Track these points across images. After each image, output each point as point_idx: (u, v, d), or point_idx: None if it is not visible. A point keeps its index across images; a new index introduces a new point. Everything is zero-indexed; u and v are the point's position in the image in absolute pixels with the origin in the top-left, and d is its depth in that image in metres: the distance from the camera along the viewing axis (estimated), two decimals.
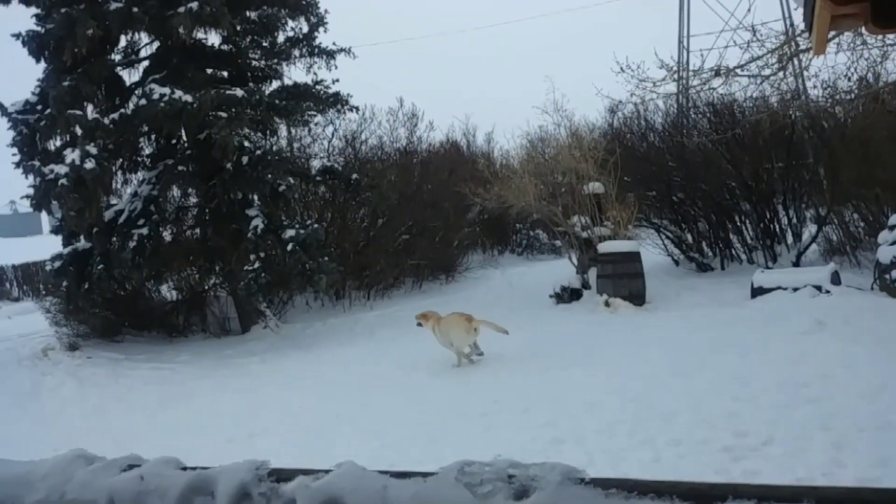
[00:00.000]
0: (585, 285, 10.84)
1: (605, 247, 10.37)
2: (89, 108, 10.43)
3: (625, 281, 10.03)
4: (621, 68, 11.02)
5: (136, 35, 10.78)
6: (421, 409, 6.31)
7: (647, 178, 12.09)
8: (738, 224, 11.75)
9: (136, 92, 10.40)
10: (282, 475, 1.04)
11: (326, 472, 1.05)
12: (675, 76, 11.13)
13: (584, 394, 6.21)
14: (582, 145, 11.46)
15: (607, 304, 9.90)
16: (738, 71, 10.27)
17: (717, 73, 10.46)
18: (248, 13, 11.10)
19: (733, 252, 11.85)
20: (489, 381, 7.05)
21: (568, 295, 10.78)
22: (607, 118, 16.40)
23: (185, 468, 1.05)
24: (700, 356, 6.96)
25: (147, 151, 11.52)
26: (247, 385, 8.07)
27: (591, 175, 11.03)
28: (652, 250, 11.98)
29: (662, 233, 12.33)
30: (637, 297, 9.97)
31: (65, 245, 11.15)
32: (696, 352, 7.17)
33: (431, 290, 13.96)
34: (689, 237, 12.25)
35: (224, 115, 9.68)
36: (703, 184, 11.52)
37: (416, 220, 13.67)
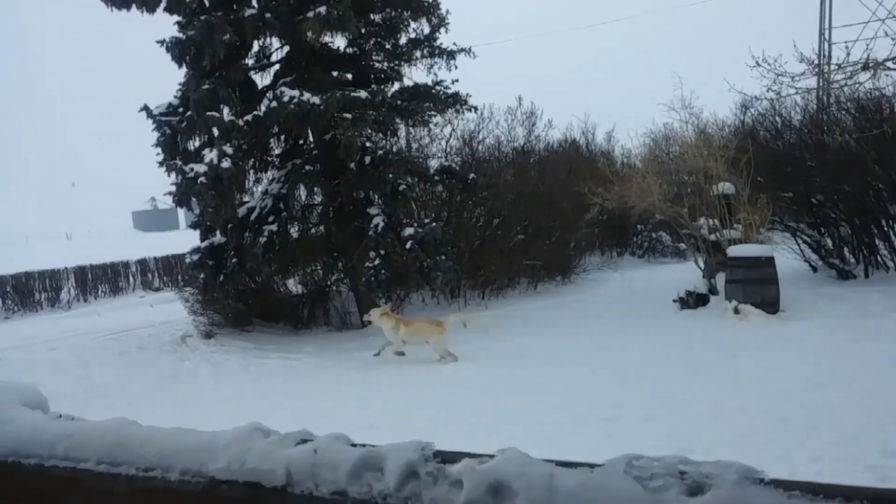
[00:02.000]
0: (713, 291, 10.34)
1: (735, 250, 9.83)
2: (225, 110, 11.04)
3: (756, 287, 9.47)
4: (756, 62, 10.46)
5: (268, 40, 11.34)
6: (535, 409, 6.22)
7: (782, 179, 11.35)
8: (885, 229, 10.81)
9: (268, 95, 10.91)
10: (446, 457, 1.02)
11: (490, 456, 1.02)
12: (816, 70, 10.42)
13: (711, 403, 5.92)
14: (711, 143, 10.94)
15: (737, 310, 9.39)
16: (888, 64, 9.48)
17: (865, 67, 9.70)
18: (372, 16, 11.42)
19: (879, 259, 10.91)
20: (608, 384, 6.85)
21: (693, 300, 10.32)
22: (738, 115, 15.60)
23: (353, 445, 1.05)
24: (840, 369, 6.47)
25: (277, 151, 12.07)
26: (367, 378, 8.27)
27: (720, 175, 10.51)
28: (787, 255, 11.24)
29: (799, 237, 11.55)
30: (770, 305, 9.39)
31: (202, 239, 11.87)
32: (836, 364, 6.67)
33: (547, 291, 13.80)
34: (829, 242, 11.40)
35: (349, 116, 9.98)
36: (846, 185, 10.69)
37: (533, 219, 13.54)
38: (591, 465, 0.95)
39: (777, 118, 12.87)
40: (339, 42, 11.36)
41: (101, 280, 22.24)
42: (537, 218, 13.60)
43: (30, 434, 1.24)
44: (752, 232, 10.29)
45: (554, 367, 7.74)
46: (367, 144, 10.65)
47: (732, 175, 10.50)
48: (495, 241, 13.19)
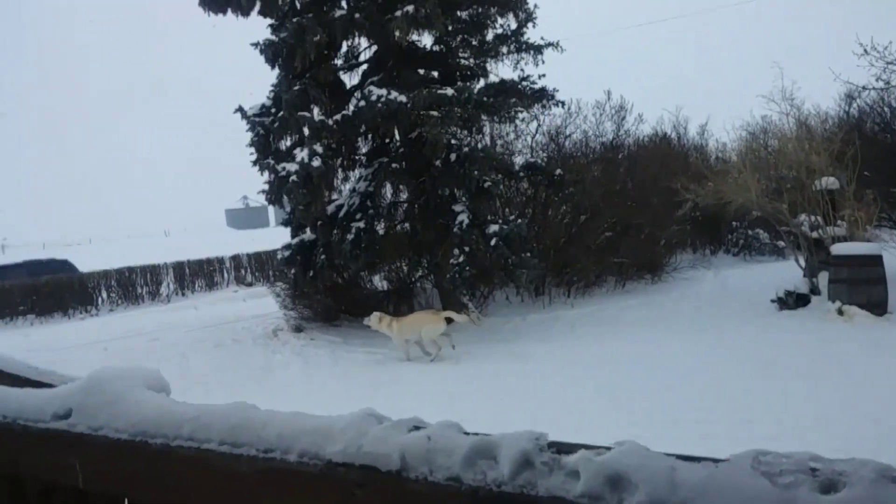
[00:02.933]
0: (814, 290, 9.82)
1: (839, 248, 9.31)
2: (315, 110, 11.33)
3: (863, 287, 8.94)
4: (864, 50, 9.86)
5: (357, 40, 11.57)
6: (629, 411, 6.07)
7: (891, 173, 10.67)
8: None
9: (356, 94, 11.13)
10: (561, 448, 1.00)
11: (607, 448, 0.99)
12: None
13: (813, 408, 5.64)
14: (813, 136, 10.39)
15: (841, 311, 8.89)
16: None
17: None
18: (459, 13, 11.45)
19: None
20: (702, 386, 6.63)
21: (793, 300, 9.84)
22: (843, 106, 14.74)
23: (466, 433, 1.05)
24: None
25: (364, 150, 12.30)
26: (451, 373, 8.32)
27: (823, 169, 9.97)
28: None
29: None
30: (877, 306, 8.84)
31: (293, 236, 12.24)
32: None
33: (636, 290, 13.48)
34: None
35: (435, 113, 10.06)
36: None
37: (621, 216, 13.25)
38: (715, 460, 0.92)
39: (886, 109, 12.10)
40: (426, 40, 11.47)
41: (198, 275, 23.31)
42: (626, 214, 13.30)
43: (156, 415, 1.30)
44: (857, 229, 9.71)
45: (644, 368, 7.55)
46: (453, 142, 10.70)
47: (836, 169, 9.94)
48: (582, 239, 12.97)
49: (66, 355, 11.27)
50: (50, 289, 20.03)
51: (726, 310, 10.41)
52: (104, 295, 21.12)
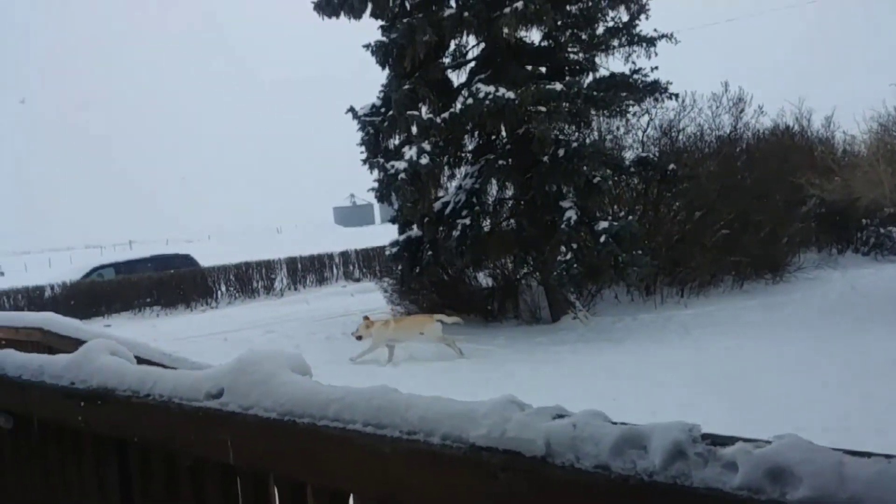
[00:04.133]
0: None
1: None
2: (423, 108, 11.50)
3: None
4: None
5: (465, 38, 11.64)
6: (750, 416, 5.77)
7: None
8: None
9: (463, 92, 11.20)
10: (716, 439, 0.97)
11: (766, 442, 0.95)
12: None
13: None
14: None
15: None
16: None
17: None
18: (568, 7, 11.29)
19: None
20: (831, 394, 6.23)
21: None
22: None
23: (613, 422, 1.04)
24: None
25: (470, 147, 12.36)
26: (560, 371, 8.22)
27: None
28: None
29: None
30: None
31: (400, 233, 12.48)
32: None
33: (755, 290, 12.81)
34: None
35: (543, 109, 9.97)
36: None
37: (739, 212, 12.62)
38: (888, 456, 0.87)
39: None
40: (534, 36, 11.41)
41: (309, 271, 24.14)
42: (744, 211, 12.65)
43: (303, 396, 1.36)
44: None
45: (765, 372, 7.18)
46: (560, 137, 10.58)
47: None
48: (696, 236, 12.46)
49: (190, 345, 11.97)
50: (174, 282, 21.30)
51: (855, 312, 9.73)
52: (223, 288, 22.21)
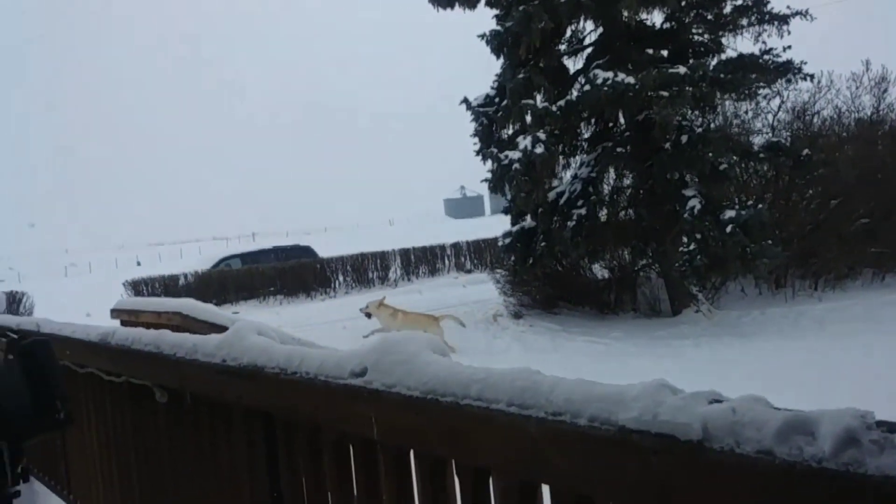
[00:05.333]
0: None
1: None
2: (538, 97, 11.40)
3: None
4: None
5: (582, 23, 11.42)
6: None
7: None
8: None
9: (580, 79, 11.01)
10: (892, 427, 0.90)
11: None
12: None
13: None
14: None
15: None
16: None
17: None
18: None
19: None
20: None
21: None
22: None
23: (776, 408, 0.99)
24: None
25: (586, 135, 12.14)
26: (683, 367, 7.92)
27: None
28: None
29: None
30: None
31: (513, 224, 12.45)
32: None
33: None
34: None
35: (665, 94, 9.63)
36: None
37: (881, 200, 11.65)
38: None
39: None
40: (655, 18, 11.02)
41: (422, 261, 24.60)
42: (887, 199, 11.67)
43: (446, 375, 1.38)
44: None
45: None
46: (683, 123, 10.17)
47: None
48: (832, 226, 11.62)
49: (312, 331, 12.48)
50: (295, 272, 22.29)
51: None
52: (340, 278, 23.03)
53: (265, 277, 21.90)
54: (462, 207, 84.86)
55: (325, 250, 25.65)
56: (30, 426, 2.11)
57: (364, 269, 23.46)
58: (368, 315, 10.54)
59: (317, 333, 12.00)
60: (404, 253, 24.32)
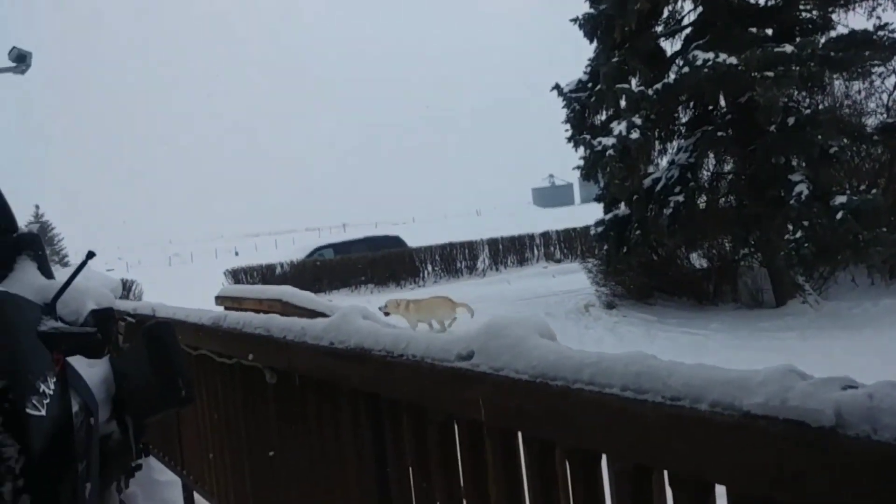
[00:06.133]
0: None
1: None
2: (633, 81, 11.10)
3: None
4: None
5: (680, 3, 11.02)
6: None
7: None
8: None
9: (677, 61, 10.63)
10: None
11: None
12: None
13: None
14: None
15: None
16: None
17: None
18: None
19: None
20: None
21: None
22: None
23: None
24: None
25: (684, 119, 11.73)
26: (787, 360, 7.50)
27: None
28: None
29: None
30: None
31: (606, 212, 12.21)
32: None
33: None
34: None
35: (770, 74, 9.15)
36: None
37: None
38: None
39: None
40: None
41: (510, 251, 24.51)
42: None
43: (556, 359, 1.37)
44: None
45: None
46: (790, 104, 9.66)
47: None
48: None
49: (401, 321, 12.71)
50: (385, 262, 22.71)
51: None
52: (429, 268, 23.27)
53: (357, 267, 22.40)
54: (551, 196, 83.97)
55: (413, 240, 25.98)
56: (154, 403, 2.25)
57: (452, 259, 23.61)
58: (387, 314, 10.89)
59: (405, 323, 12.22)
60: (492, 243, 24.30)
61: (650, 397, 1.19)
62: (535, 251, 24.93)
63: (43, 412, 1.61)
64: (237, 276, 22.43)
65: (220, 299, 9.29)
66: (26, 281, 2.71)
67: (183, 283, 22.34)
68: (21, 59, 6.32)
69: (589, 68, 11.43)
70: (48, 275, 2.97)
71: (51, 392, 1.66)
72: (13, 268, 2.90)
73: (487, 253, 24.08)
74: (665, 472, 1.22)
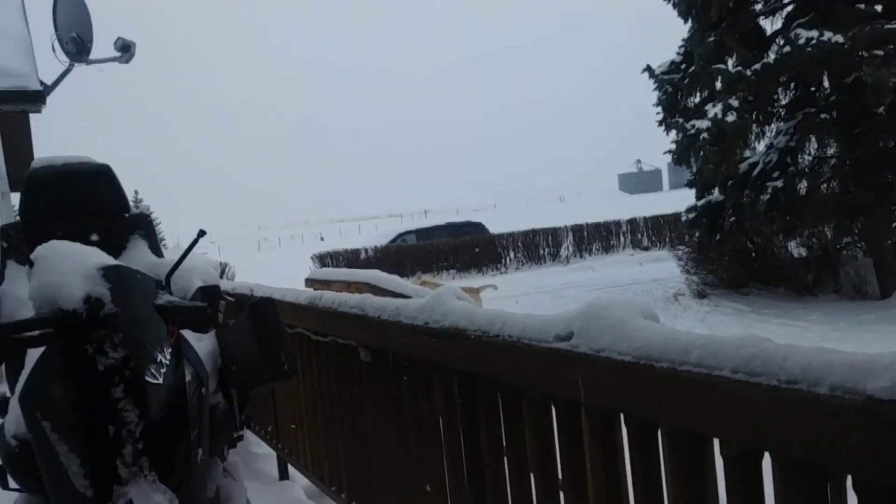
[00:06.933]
0: None
1: None
2: (729, 62, 10.66)
3: None
4: None
5: None
6: None
7: None
8: None
9: (777, 40, 10.13)
10: None
11: None
12: None
13: None
14: None
15: None
16: None
17: None
18: None
19: None
20: None
21: None
22: None
23: None
24: None
25: (783, 101, 11.18)
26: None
27: None
28: None
29: None
30: None
31: (698, 198, 11.81)
32: None
33: None
34: None
35: (879, 53, 8.58)
36: None
37: None
38: None
39: None
40: None
41: (595, 238, 24.10)
42: None
43: (660, 341, 1.35)
44: None
45: None
46: None
47: None
48: None
49: (485, 305, 12.74)
50: (467, 248, 22.79)
51: None
52: (511, 254, 23.21)
53: (439, 252, 22.58)
54: (638, 182, 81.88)
55: (495, 227, 25.95)
56: (257, 376, 2.35)
57: (535, 246, 23.46)
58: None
59: (489, 308, 12.25)
60: (577, 229, 23.96)
61: (764, 380, 1.16)
62: (622, 238, 24.43)
63: (160, 381, 1.70)
64: (323, 260, 23.03)
65: (309, 281, 9.62)
66: (139, 259, 2.87)
67: (272, 267, 23.14)
68: (126, 49, 6.63)
69: (682, 49, 11.05)
70: (158, 253, 3.15)
71: (167, 362, 1.76)
72: (126, 247, 3.08)
73: (571, 240, 23.78)
74: (777, 457, 1.19)
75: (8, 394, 2.47)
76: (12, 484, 2.04)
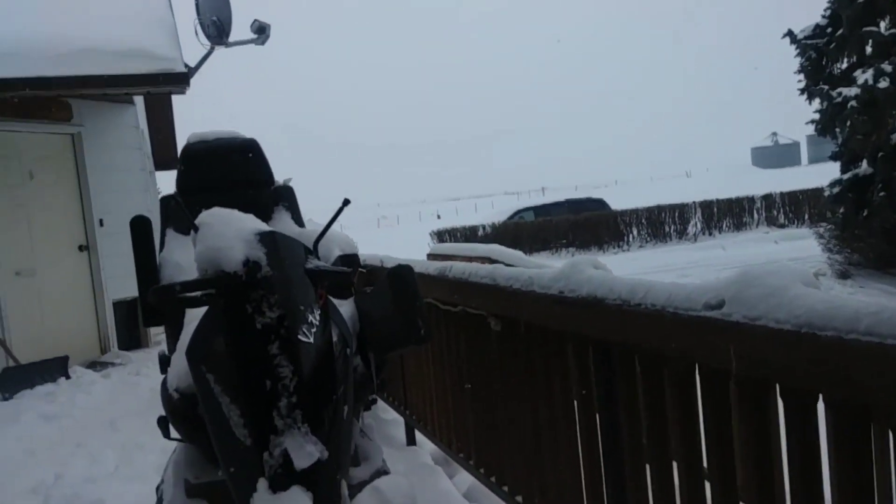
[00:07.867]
0: None
1: None
2: (882, 24, 9.78)
3: None
4: None
5: None
6: None
7: None
8: None
9: None
10: None
11: None
12: None
13: None
14: None
15: None
16: None
17: None
18: None
19: None
20: None
21: None
22: None
23: None
24: None
25: None
26: None
27: None
28: None
29: None
30: None
31: (843, 171, 10.97)
32: None
33: None
34: None
35: None
36: None
37: None
38: None
39: None
40: None
41: (726, 215, 22.90)
42: None
43: (824, 309, 1.27)
44: None
45: None
46: None
47: None
48: None
49: None
50: (587, 224, 22.31)
51: None
52: (634, 232, 22.50)
53: (558, 229, 22.28)
54: (773, 156, 76.89)
55: (617, 204, 25.27)
56: (394, 340, 2.43)
57: (660, 223, 22.61)
58: None
59: None
60: (706, 205, 22.86)
61: None
62: (756, 215, 23.05)
63: (311, 340, 1.80)
64: (442, 237, 23.35)
65: (431, 256, 9.81)
66: (284, 228, 3.04)
67: (392, 243, 23.75)
68: (261, 31, 6.96)
69: (829, 11, 10.21)
70: (300, 223, 3.31)
71: (317, 323, 1.85)
72: (272, 217, 3.27)
73: (700, 216, 22.72)
74: None
75: (167, 352, 2.70)
76: (174, 434, 2.24)
